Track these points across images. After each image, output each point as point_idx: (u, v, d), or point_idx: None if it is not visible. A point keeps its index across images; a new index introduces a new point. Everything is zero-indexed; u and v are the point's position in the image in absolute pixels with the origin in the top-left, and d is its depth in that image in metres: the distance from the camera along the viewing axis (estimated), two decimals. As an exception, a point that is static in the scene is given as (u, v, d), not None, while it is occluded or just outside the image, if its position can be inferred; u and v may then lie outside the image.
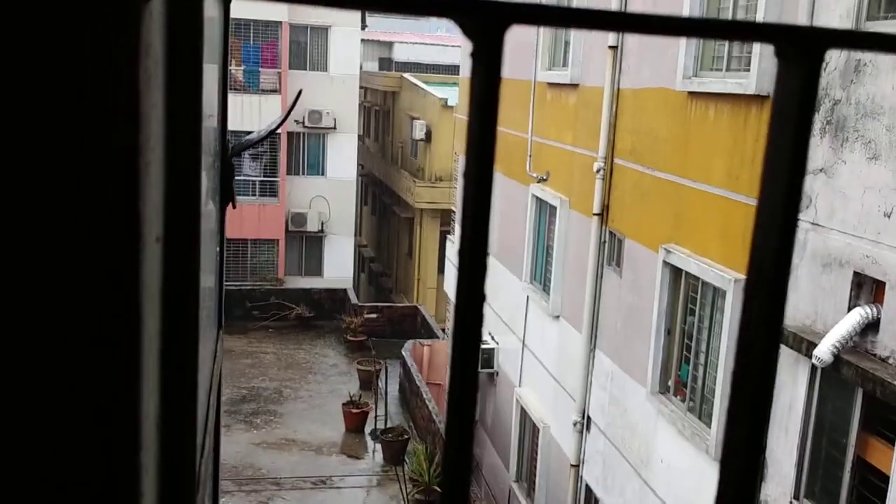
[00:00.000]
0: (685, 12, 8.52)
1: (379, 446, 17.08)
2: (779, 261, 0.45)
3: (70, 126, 0.50)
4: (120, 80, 0.50)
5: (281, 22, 25.56)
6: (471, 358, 0.44)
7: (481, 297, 0.42)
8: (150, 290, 0.64)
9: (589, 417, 10.95)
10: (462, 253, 0.41)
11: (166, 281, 0.74)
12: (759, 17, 7.33)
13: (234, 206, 2.00)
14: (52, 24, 0.48)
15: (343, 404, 18.16)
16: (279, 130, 25.57)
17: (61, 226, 0.51)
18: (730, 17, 8.06)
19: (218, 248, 1.92)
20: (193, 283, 0.84)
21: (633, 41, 9.90)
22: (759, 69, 7.28)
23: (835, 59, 6.42)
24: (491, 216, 0.42)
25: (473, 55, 0.39)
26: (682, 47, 8.54)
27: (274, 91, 25.72)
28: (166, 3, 0.68)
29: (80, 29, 0.48)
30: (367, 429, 17.97)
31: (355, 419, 17.94)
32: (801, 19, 6.76)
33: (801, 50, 0.43)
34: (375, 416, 17.84)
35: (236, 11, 26.66)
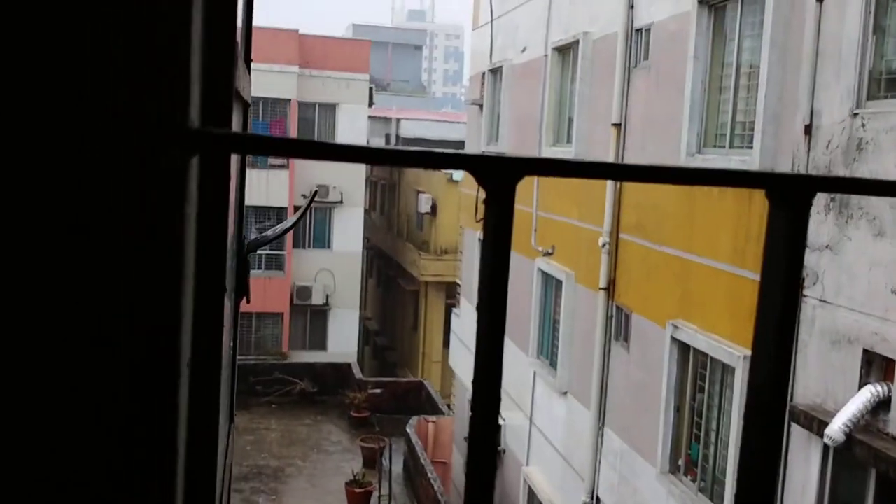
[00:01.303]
0: (685, 107, 8.66)
1: (382, 526, 16.69)
2: (776, 395, 0.46)
3: (124, 264, 0.56)
4: (167, 226, 0.57)
5: (290, 100, 26.08)
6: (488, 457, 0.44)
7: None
8: (181, 414, 0.67)
9: (598, 498, 10.71)
10: (475, 398, 0.42)
11: (192, 405, 0.76)
12: (761, 98, 7.44)
13: (248, 301, 2.01)
14: (115, 179, 0.55)
15: (346, 483, 17.82)
16: (286, 205, 25.82)
17: (113, 374, 0.56)
18: (731, 100, 8.19)
19: (232, 343, 1.93)
20: (213, 407, 0.89)
21: (636, 118, 10.04)
22: (762, 146, 7.36)
23: (836, 135, 6.48)
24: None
25: (486, 202, 0.44)
26: (686, 123, 8.66)
27: (282, 167, 26.08)
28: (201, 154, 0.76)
29: (136, 179, 0.55)
30: (371, 508, 17.59)
31: (358, 499, 17.57)
32: (802, 99, 6.86)
33: (790, 195, 0.46)
34: (379, 496, 17.47)
35: (246, 89, 27.19)
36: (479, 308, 0.42)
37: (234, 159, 1.60)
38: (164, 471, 0.57)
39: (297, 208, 26.73)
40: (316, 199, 26.79)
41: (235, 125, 1.52)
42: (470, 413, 0.43)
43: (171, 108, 0.56)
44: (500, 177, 0.42)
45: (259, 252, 26.47)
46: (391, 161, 0.43)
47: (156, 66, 0.55)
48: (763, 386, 0.50)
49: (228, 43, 0.97)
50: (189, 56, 0.58)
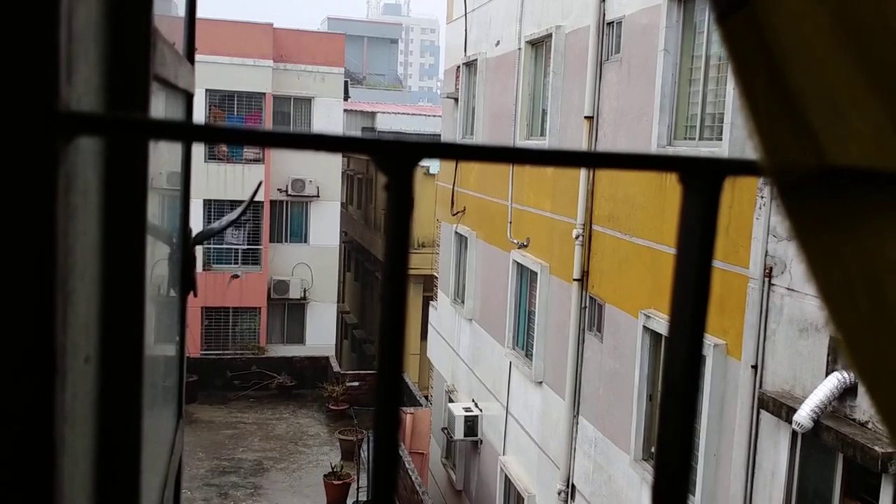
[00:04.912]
0: (656, 99, 8.74)
1: (361, 518, 16.73)
2: (689, 375, 0.48)
3: None
4: (33, 219, 0.52)
5: (265, 94, 25.93)
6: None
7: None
8: (76, 411, 0.65)
9: (573, 486, 10.82)
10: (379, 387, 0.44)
11: (103, 397, 0.75)
12: (730, 90, 7.54)
13: (195, 295, 2.02)
14: None
15: (324, 476, 17.83)
16: (262, 199, 25.71)
17: None
18: (701, 92, 8.29)
19: (178, 337, 1.93)
20: (134, 398, 0.86)
21: (608, 110, 10.12)
22: (730, 138, 7.46)
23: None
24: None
25: (386, 187, 0.43)
26: (657, 115, 8.75)
27: (257, 160, 25.93)
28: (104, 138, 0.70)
29: None
30: (350, 501, 17.62)
31: (337, 491, 17.60)
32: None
33: (702, 178, 0.47)
34: (358, 488, 17.51)
35: (220, 83, 26.85)
36: (381, 295, 0.45)
37: (170, 148, 1.59)
38: (42, 467, 0.54)
39: (273, 203, 26.60)
40: (293, 193, 26.68)
41: (167, 114, 1.48)
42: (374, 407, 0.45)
43: (32, 86, 0.51)
44: (397, 160, 0.43)
45: (235, 246, 26.34)
46: (285, 144, 0.42)
47: (15, 40, 0.51)
48: (677, 368, 0.50)
49: (141, 27, 0.92)
50: (56, 31, 0.53)
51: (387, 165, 0.42)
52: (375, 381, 0.44)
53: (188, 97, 1.86)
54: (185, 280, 1.89)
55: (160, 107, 1.34)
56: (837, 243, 0.44)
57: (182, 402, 2.01)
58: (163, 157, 1.42)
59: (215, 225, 3.83)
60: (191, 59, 1.97)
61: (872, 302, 0.44)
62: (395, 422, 0.44)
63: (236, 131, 0.43)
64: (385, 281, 0.43)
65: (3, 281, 0.52)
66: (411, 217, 0.43)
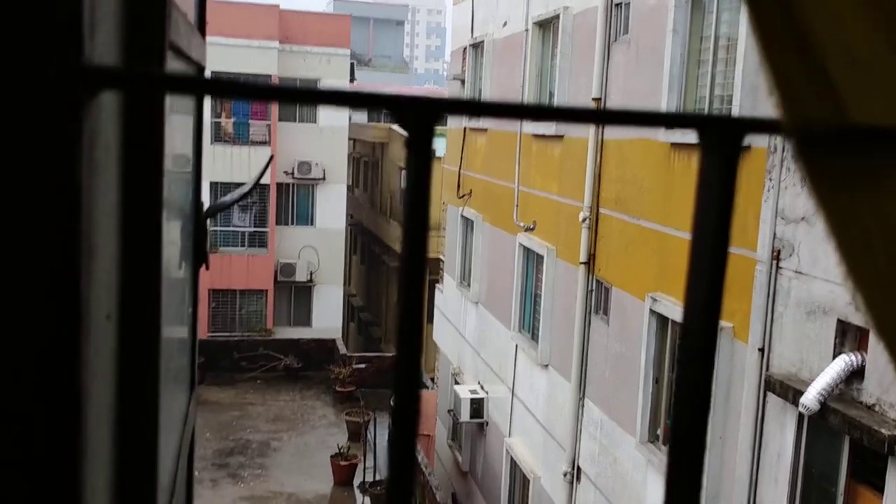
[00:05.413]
0: (664, 80, 8.69)
1: (368, 499, 16.83)
2: (706, 342, 0.48)
3: (5, 216, 0.53)
4: (59, 174, 0.53)
5: (270, 76, 25.86)
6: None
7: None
8: (98, 367, 0.66)
9: (579, 467, 10.86)
10: (398, 337, 0.44)
11: (122, 356, 0.76)
12: (739, 71, 7.48)
13: (206, 268, 2.03)
14: None
15: (331, 456, 17.94)
16: (269, 182, 25.71)
17: None
18: (709, 73, 8.23)
19: (191, 309, 1.94)
20: (152, 357, 0.86)
21: (616, 91, 10.07)
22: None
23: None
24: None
25: (407, 144, 0.43)
26: (665, 96, 8.70)
27: (263, 143, 25.91)
28: (124, 94, 0.71)
29: (19, 123, 0.52)
30: (356, 481, 17.73)
31: (344, 472, 17.71)
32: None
33: (722, 138, 0.46)
34: (364, 468, 17.61)
35: (225, 66, 26.77)
36: (400, 255, 0.45)
37: (181, 128, 1.59)
38: (67, 419, 0.56)
39: (280, 186, 26.61)
40: (299, 175, 26.66)
41: None
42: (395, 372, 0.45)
43: (59, 43, 0.53)
44: (418, 116, 0.42)
45: (242, 229, 26.37)
46: (302, 100, 0.42)
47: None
48: (694, 336, 0.49)
49: None
50: None
51: (408, 122, 0.42)
52: (395, 337, 0.43)
53: (200, 70, 1.86)
54: (198, 252, 1.90)
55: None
56: (856, 201, 0.44)
57: (195, 373, 2.02)
58: (174, 135, 1.42)
59: (227, 198, 3.82)
60: (202, 33, 1.97)
61: (890, 259, 0.44)
62: (415, 386, 0.44)
63: (252, 86, 0.43)
64: (406, 233, 0.42)
65: (32, 232, 0.53)
66: (431, 174, 0.43)
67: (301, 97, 0.43)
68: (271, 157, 4.50)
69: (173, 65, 1.25)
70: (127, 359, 0.79)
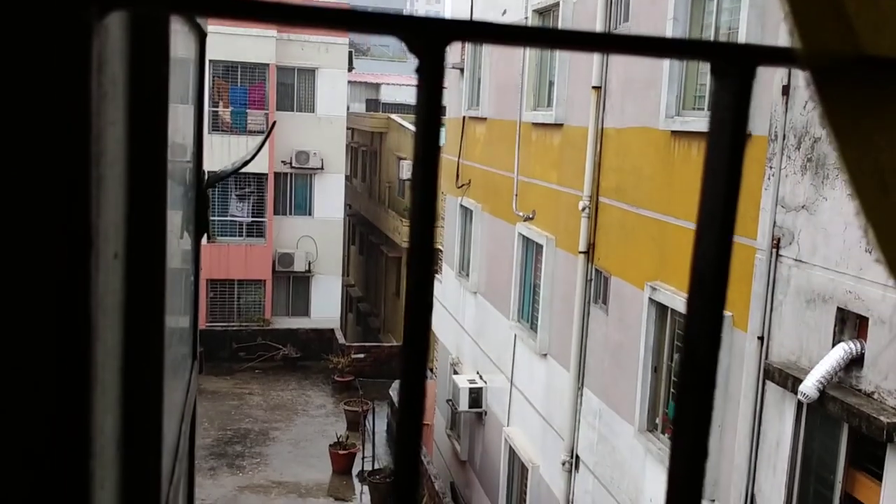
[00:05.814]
0: (665, 69, 8.65)
1: (367, 488, 16.87)
2: (718, 269, 0.47)
3: (15, 137, 0.53)
4: (69, 94, 0.53)
5: (268, 64, 25.78)
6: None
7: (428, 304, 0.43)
8: (107, 303, 0.65)
9: (577, 457, 10.88)
10: (411, 258, 0.43)
11: (129, 297, 0.75)
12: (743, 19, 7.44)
13: (209, 239, 2.01)
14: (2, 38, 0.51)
15: (330, 445, 17.97)
16: (266, 172, 25.66)
17: (5, 235, 0.53)
18: (713, 24, 8.19)
19: (193, 279, 1.93)
20: (159, 299, 0.86)
21: (616, 80, 10.04)
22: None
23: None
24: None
25: (418, 70, 0.41)
26: (665, 87, 8.68)
27: (261, 132, 25.84)
28: (128, 22, 0.70)
29: (28, 44, 0.51)
30: (355, 470, 17.77)
31: (342, 461, 17.74)
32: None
33: (734, 65, 0.45)
34: (363, 458, 17.65)
35: (224, 54, 26.69)
36: (411, 188, 0.43)
37: (184, 115, 1.58)
38: (77, 368, 0.56)
39: (277, 175, 26.56)
40: (297, 165, 26.60)
41: (185, 48, 1.48)
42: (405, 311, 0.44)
43: None
44: (429, 39, 0.41)
45: (240, 219, 26.33)
46: (304, 21, 0.41)
47: None
48: (705, 276, 0.48)
49: None
50: None
51: (418, 45, 0.40)
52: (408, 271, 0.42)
53: (202, 37, 1.85)
54: (200, 221, 1.89)
55: (177, 40, 1.32)
56: (869, 131, 0.43)
57: (197, 343, 2.01)
58: (176, 119, 1.41)
59: (228, 166, 3.81)
60: None
61: None
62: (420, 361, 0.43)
63: (257, 4, 0.42)
64: (416, 165, 0.41)
65: (42, 153, 0.53)
66: (440, 101, 0.41)
67: (305, 16, 0.41)
68: (273, 123, 4.48)
69: (176, 29, 1.24)
70: (133, 300, 0.78)
